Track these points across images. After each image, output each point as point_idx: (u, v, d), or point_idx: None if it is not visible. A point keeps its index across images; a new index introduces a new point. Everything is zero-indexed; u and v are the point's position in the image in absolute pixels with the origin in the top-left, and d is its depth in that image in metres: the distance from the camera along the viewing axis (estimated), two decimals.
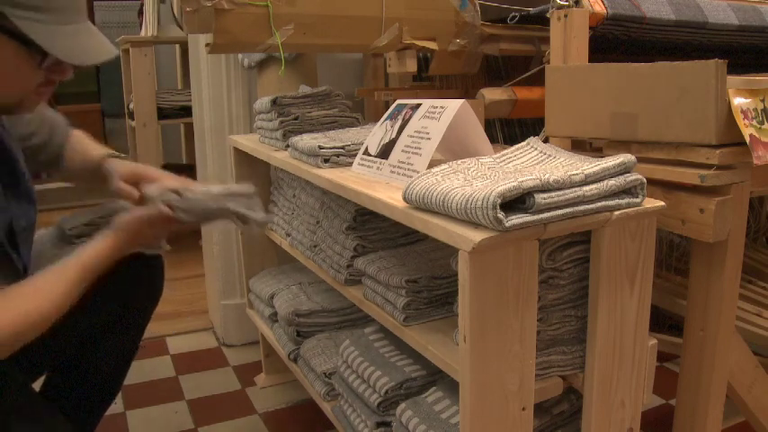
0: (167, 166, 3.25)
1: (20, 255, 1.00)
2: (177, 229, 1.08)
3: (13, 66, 0.84)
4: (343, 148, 1.23)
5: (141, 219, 1.03)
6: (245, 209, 1.08)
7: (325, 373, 1.35)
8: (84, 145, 1.22)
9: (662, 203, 0.91)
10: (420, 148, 1.05)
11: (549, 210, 0.79)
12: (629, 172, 0.88)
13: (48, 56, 0.84)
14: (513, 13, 1.53)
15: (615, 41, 1.39)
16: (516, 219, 0.77)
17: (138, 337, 1.28)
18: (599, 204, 0.84)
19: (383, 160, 1.11)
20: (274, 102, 1.46)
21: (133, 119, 3.00)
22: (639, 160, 0.93)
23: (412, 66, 1.54)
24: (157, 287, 1.27)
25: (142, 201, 1.11)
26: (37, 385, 1.19)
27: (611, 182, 0.85)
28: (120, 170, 1.15)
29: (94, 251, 0.98)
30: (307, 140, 1.27)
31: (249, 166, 1.72)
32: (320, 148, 1.21)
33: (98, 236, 1.00)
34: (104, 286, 1.05)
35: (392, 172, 1.08)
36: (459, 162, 0.95)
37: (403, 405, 1.07)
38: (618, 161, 0.86)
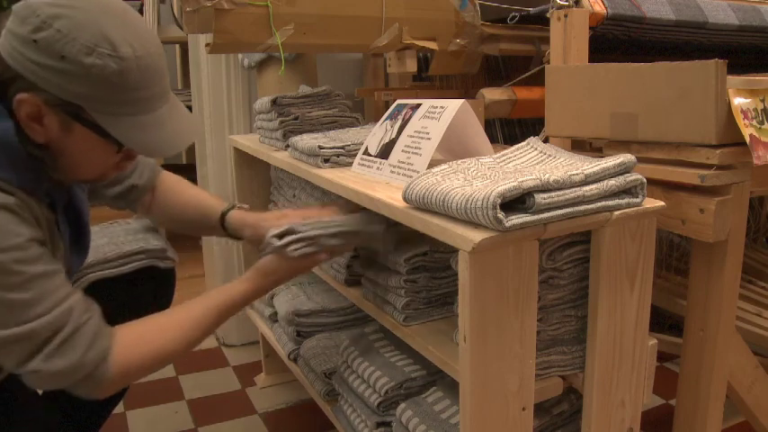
0: (167, 167, 3.28)
1: None
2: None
3: (93, 152, 0.85)
4: (343, 148, 1.23)
5: (282, 265, 1.01)
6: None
7: (325, 373, 1.35)
8: (192, 193, 1.26)
9: (662, 203, 0.91)
10: (420, 148, 1.05)
11: (549, 210, 0.79)
12: (629, 172, 0.88)
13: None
14: (513, 13, 1.53)
15: (615, 41, 1.39)
16: (516, 219, 0.77)
17: None
18: (599, 204, 0.84)
19: (383, 160, 1.11)
20: (274, 102, 1.46)
21: None
22: (639, 160, 0.93)
23: (412, 66, 1.54)
24: (167, 300, 1.27)
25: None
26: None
27: (612, 182, 0.85)
28: (247, 221, 1.19)
29: (236, 293, 0.99)
30: (307, 140, 1.27)
31: (249, 166, 1.72)
32: (320, 148, 1.21)
33: (240, 278, 1.01)
34: (114, 296, 1.06)
35: (392, 172, 1.07)
36: (459, 162, 0.95)
37: (403, 405, 1.08)
38: (618, 161, 0.86)
